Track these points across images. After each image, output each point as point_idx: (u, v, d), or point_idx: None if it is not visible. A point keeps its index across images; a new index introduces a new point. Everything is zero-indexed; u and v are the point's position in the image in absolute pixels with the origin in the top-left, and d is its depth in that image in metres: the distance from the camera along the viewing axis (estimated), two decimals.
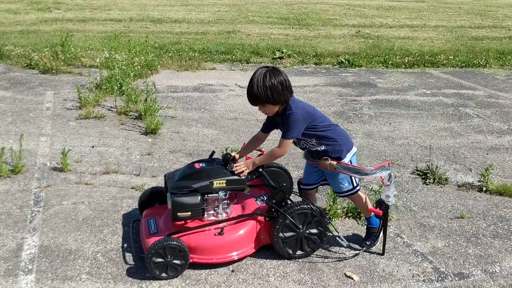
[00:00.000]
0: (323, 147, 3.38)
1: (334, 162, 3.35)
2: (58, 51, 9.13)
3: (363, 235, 3.79)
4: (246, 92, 3.32)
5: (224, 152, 4.60)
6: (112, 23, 13.88)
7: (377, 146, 5.71)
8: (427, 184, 4.77)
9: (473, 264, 3.49)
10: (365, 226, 3.72)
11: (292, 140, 3.34)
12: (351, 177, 3.44)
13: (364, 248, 3.57)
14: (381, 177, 3.37)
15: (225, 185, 3.32)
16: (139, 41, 10.05)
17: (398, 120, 6.72)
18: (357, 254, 3.53)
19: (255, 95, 3.23)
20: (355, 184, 3.48)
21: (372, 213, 3.60)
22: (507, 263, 3.52)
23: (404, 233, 3.88)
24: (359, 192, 3.54)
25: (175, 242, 3.12)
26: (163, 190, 3.61)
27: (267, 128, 3.57)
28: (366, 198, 3.61)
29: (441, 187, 4.73)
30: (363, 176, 3.38)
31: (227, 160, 3.44)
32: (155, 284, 3.13)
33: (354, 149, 3.50)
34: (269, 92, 3.18)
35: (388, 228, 3.63)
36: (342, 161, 3.38)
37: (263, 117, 3.63)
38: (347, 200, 4.10)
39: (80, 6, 17.12)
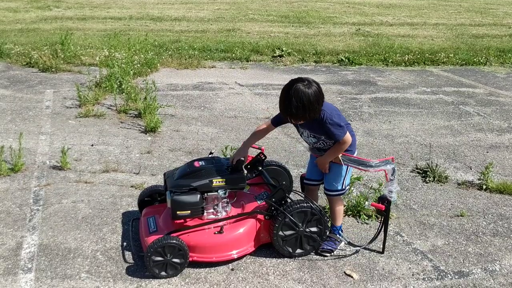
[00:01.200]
0: None
1: (340, 154, 3.36)
2: (58, 49, 9.11)
3: (363, 233, 3.80)
4: (279, 104, 3.25)
5: (225, 152, 4.61)
6: (111, 21, 13.86)
7: (377, 144, 5.71)
8: (427, 182, 4.76)
9: (473, 263, 3.49)
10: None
11: (347, 132, 3.32)
12: (343, 179, 3.49)
13: (363, 246, 3.57)
14: (385, 171, 3.39)
15: (224, 183, 3.32)
16: (138, 39, 10.03)
17: (398, 118, 6.71)
18: (357, 251, 3.53)
19: (293, 115, 3.18)
20: (343, 186, 3.53)
21: (338, 224, 3.61)
22: (507, 261, 3.52)
23: (404, 231, 3.88)
24: (341, 197, 3.59)
25: (174, 241, 3.12)
26: (163, 189, 3.61)
27: (278, 123, 3.51)
28: (343, 208, 3.66)
29: (441, 185, 4.73)
30: (368, 168, 3.39)
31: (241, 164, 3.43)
32: (154, 283, 3.12)
33: (356, 153, 3.56)
34: (308, 111, 3.14)
35: (388, 226, 3.62)
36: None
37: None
38: (347, 198, 4.11)
39: (80, 4, 17.09)
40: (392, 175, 3.37)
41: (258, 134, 3.57)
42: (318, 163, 3.49)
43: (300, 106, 3.11)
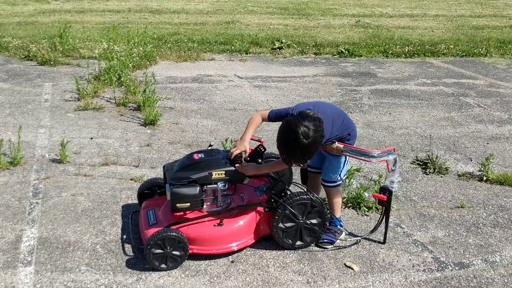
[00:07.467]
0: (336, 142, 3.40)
1: (341, 145, 3.35)
2: (56, 42, 9.07)
3: (363, 224, 3.80)
4: (280, 148, 3.16)
5: (225, 144, 4.59)
6: (110, 14, 13.81)
7: (377, 136, 5.69)
8: (427, 174, 4.75)
9: (473, 254, 3.49)
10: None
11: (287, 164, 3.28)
12: (340, 171, 3.48)
13: (364, 235, 3.58)
14: (386, 161, 3.38)
15: (224, 176, 3.31)
16: (137, 32, 9.99)
17: (398, 110, 6.69)
18: (357, 242, 3.53)
19: (299, 161, 3.19)
20: (340, 178, 3.52)
21: (337, 215, 3.60)
22: (508, 252, 3.51)
23: (404, 223, 3.87)
24: (339, 188, 3.58)
25: (174, 233, 3.11)
26: (162, 181, 3.60)
27: (276, 119, 3.41)
28: (341, 199, 3.65)
29: (441, 176, 4.72)
30: (370, 159, 3.37)
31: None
32: (154, 275, 3.12)
33: (355, 144, 3.53)
34: (313, 149, 3.12)
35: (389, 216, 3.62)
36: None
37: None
38: (347, 190, 4.10)
39: None
40: (394, 165, 3.36)
41: (255, 126, 3.46)
42: (247, 166, 3.34)
43: (302, 156, 3.11)
